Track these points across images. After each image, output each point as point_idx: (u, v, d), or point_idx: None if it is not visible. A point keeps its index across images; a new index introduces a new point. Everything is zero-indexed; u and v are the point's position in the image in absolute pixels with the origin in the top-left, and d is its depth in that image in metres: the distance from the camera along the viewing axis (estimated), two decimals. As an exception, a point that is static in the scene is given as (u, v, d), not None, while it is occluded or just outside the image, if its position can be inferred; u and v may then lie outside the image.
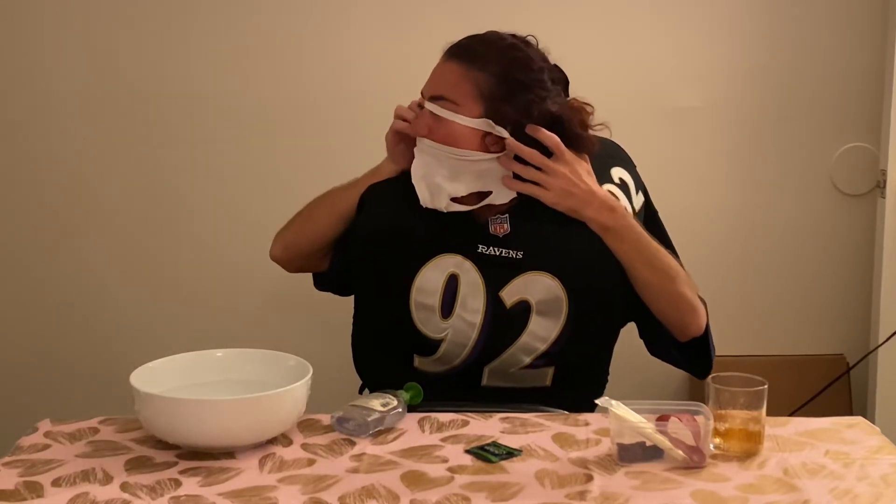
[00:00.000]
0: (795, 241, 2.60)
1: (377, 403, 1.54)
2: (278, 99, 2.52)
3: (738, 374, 1.46)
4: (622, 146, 1.87)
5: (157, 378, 1.51)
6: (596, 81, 2.48)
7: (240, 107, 2.52)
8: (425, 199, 1.70)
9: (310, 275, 1.97)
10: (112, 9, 2.49)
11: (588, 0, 2.49)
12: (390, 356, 1.79)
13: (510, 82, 1.65)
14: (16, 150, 2.56)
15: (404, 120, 1.76)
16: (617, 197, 1.73)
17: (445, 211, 1.69)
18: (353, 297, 1.91)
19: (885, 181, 2.46)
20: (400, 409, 1.57)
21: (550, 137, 1.63)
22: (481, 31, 1.76)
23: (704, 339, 1.77)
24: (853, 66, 2.51)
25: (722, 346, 2.17)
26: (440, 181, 1.68)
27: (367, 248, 1.78)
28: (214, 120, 2.53)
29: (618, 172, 1.79)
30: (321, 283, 1.95)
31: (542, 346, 1.72)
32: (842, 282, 2.62)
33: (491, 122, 1.64)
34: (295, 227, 1.89)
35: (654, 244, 1.69)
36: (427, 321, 1.73)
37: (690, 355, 1.80)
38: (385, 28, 2.49)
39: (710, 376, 1.46)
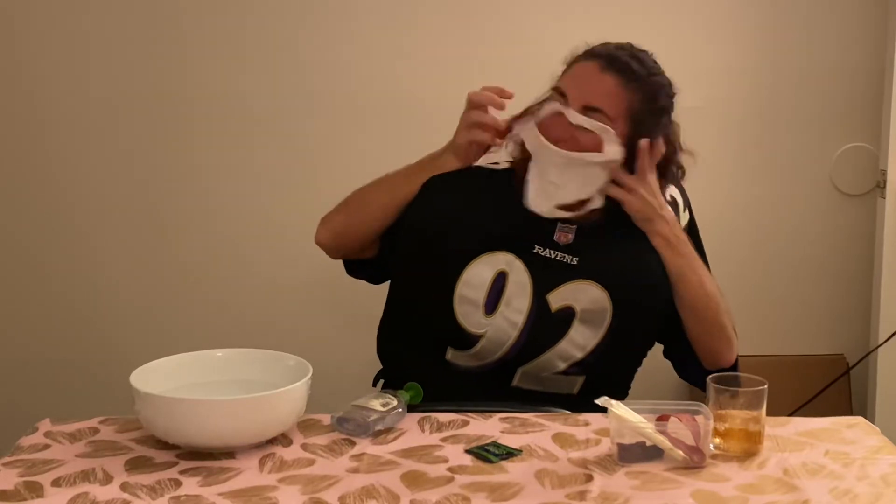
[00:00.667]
0: (795, 241, 2.60)
1: (377, 403, 1.54)
2: (278, 100, 2.52)
3: (739, 374, 1.46)
4: None
5: (157, 378, 1.51)
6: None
7: (240, 108, 2.52)
8: (534, 202, 1.70)
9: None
10: (116, 10, 2.49)
11: (587, 0, 2.49)
12: (422, 345, 1.78)
13: (656, 108, 1.70)
14: (16, 151, 2.56)
15: (484, 127, 1.74)
16: None
17: (549, 216, 1.71)
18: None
19: (885, 181, 2.46)
20: (400, 409, 1.57)
21: (660, 154, 1.69)
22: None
23: (732, 370, 1.79)
24: (853, 66, 2.51)
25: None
26: (551, 186, 1.70)
27: (421, 234, 1.77)
28: (215, 120, 2.53)
29: (669, 190, 1.82)
30: (357, 269, 1.92)
31: (579, 355, 1.73)
32: (842, 282, 2.62)
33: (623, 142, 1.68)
34: (346, 214, 1.85)
35: (705, 270, 1.73)
36: (469, 315, 1.72)
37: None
38: (387, 31, 2.49)
39: (710, 377, 1.46)
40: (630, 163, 1.70)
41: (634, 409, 1.41)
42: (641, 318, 1.75)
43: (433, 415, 1.59)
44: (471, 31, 2.47)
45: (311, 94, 2.52)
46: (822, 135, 2.55)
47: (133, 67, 2.52)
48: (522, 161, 1.74)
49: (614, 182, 1.70)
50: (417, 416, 1.58)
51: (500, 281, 1.72)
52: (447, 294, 1.72)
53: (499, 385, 1.74)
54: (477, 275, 1.72)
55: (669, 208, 1.72)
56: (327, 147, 2.54)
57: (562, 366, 1.74)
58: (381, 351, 1.88)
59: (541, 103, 1.73)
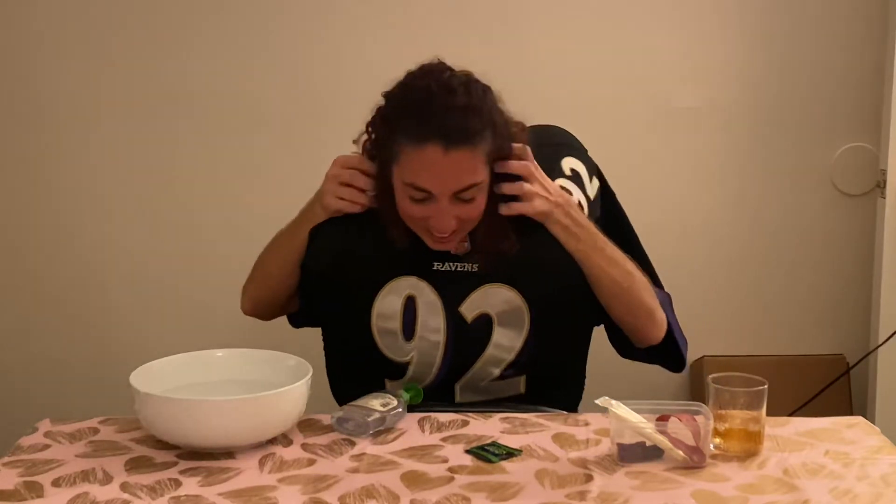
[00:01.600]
0: (795, 241, 2.60)
1: (377, 403, 1.54)
2: (279, 100, 2.52)
3: (738, 374, 1.45)
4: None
5: (157, 378, 1.51)
6: (595, 81, 2.50)
7: (241, 108, 2.52)
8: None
9: None
10: (114, 8, 2.49)
11: (587, 0, 2.49)
12: (362, 382, 1.74)
13: (498, 132, 1.61)
14: (16, 150, 2.56)
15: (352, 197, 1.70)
16: (569, 191, 1.72)
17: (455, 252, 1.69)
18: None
19: (885, 181, 2.45)
20: (400, 409, 1.57)
21: (520, 165, 1.62)
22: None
23: (669, 339, 1.76)
24: (853, 66, 2.50)
25: (722, 346, 2.17)
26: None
27: (323, 280, 1.76)
28: (215, 121, 2.53)
29: (568, 163, 1.78)
30: (295, 321, 1.91)
31: (509, 357, 1.72)
32: (842, 282, 2.61)
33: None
34: (256, 281, 1.85)
35: (612, 247, 1.68)
36: (391, 346, 1.72)
37: (661, 353, 1.79)
38: (389, 31, 2.49)
39: (710, 377, 1.46)
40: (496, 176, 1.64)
41: (634, 409, 1.41)
42: (561, 307, 1.72)
43: (433, 415, 1.59)
44: (470, 29, 2.47)
45: (311, 94, 2.51)
46: (822, 135, 2.55)
47: (130, 68, 2.51)
48: (383, 201, 1.68)
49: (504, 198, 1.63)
50: (417, 416, 1.58)
51: (410, 305, 1.70)
52: (366, 329, 1.71)
53: (444, 406, 1.72)
54: (387, 305, 1.70)
55: (562, 193, 1.66)
56: (328, 147, 2.53)
57: (496, 372, 1.73)
58: (334, 392, 1.87)
59: (382, 156, 1.65)
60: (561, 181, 1.73)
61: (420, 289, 1.70)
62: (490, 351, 1.71)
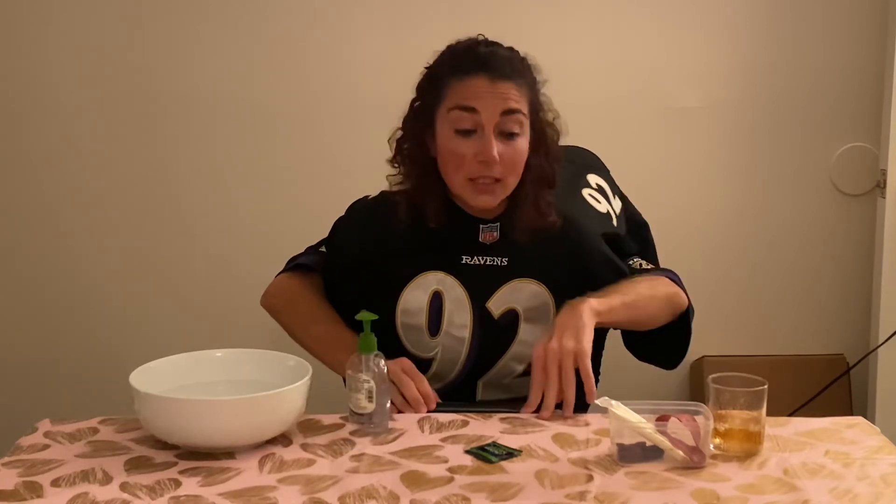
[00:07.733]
0: (795, 241, 2.60)
1: (363, 399, 1.50)
2: (279, 101, 2.52)
3: (738, 374, 1.45)
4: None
5: (157, 378, 1.51)
6: (595, 81, 2.50)
7: (241, 109, 2.52)
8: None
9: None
10: (114, 9, 2.49)
11: (587, 0, 2.49)
12: None
13: (538, 92, 1.69)
14: (16, 151, 2.56)
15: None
16: (598, 199, 1.77)
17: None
18: None
19: (885, 181, 2.46)
20: (382, 384, 1.52)
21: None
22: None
23: (684, 321, 1.79)
24: (853, 66, 2.51)
25: (722, 346, 2.17)
26: None
27: (348, 276, 1.78)
28: (215, 121, 2.53)
29: (594, 178, 1.82)
30: None
31: None
32: (842, 282, 2.62)
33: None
34: (280, 324, 1.86)
35: (633, 291, 1.69)
36: (416, 341, 1.73)
37: (671, 339, 1.81)
38: (386, 30, 2.49)
39: (710, 377, 1.46)
40: (535, 145, 1.69)
41: (634, 409, 1.41)
42: None
43: (433, 415, 1.59)
44: (471, 30, 2.47)
45: (306, 94, 2.51)
46: (822, 135, 2.55)
47: (125, 70, 2.51)
48: (418, 185, 1.71)
49: None
50: (417, 416, 1.58)
51: (437, 301, 1.71)
52: (390, 325, 1.72)
53: (465, 402, 1.72)
54: (412, 300, 1.71)
55: (577, 307, 1.61)
56: (327, 147, 2.54)
57: (519, 368, 1.74)
58: None
59: (421, 124, 1.69)
60: (589, 191, 1.77)
61: (447, 284, 1.71)
62: (515, 347, 1.73)
